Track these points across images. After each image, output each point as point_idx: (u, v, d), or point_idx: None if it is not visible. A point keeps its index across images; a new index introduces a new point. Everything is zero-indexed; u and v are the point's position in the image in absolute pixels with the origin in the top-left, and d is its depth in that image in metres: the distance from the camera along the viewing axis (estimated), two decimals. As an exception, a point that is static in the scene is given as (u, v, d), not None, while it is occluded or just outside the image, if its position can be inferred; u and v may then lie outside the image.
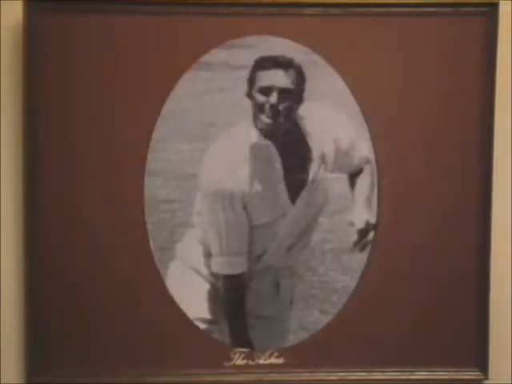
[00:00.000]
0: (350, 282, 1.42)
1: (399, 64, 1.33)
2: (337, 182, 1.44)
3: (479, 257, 1.36)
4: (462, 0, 1.32)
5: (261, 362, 1.36)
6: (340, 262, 1.43)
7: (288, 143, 1.39)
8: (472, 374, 1.38)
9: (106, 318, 1.34)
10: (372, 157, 1.41)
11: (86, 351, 1.34)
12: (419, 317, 1.37)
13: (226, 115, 1.40)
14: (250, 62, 1.37)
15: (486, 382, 1.39)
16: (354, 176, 1.44)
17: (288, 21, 1.31)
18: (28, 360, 1.34)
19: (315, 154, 1.41)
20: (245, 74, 1.37)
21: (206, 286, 1.43)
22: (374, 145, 1.35)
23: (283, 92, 1.37)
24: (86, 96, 1.30)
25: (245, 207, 1.40)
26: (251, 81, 1.38)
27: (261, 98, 1.37)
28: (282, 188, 1.41)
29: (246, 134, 1.40)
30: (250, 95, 1.37)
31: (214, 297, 1.43)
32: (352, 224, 1.42)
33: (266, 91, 1.37)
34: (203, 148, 1.40)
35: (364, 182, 1.44)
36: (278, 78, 1.37)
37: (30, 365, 1.33)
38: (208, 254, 1.42)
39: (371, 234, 1.41)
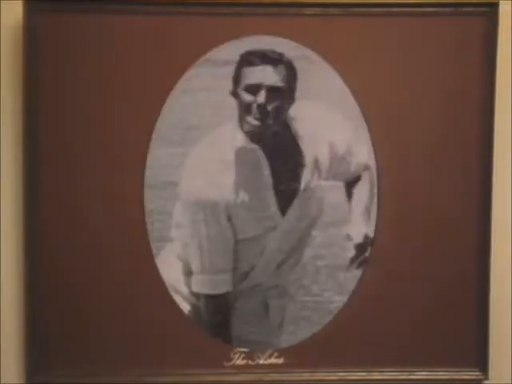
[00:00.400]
0: (346, 302, 1.34)
1: (399, 64, 1.33)
2: (332, 191, 1.34)
3: (479, 257, 1.36)
4: (461, 0, 1.32)
5: (261, 362, 1.36)
6: (335, 281, 1.35)
7: (277, 147, 1.30)
8: (472, 374, 1.38)
9: (106, 318, 1.34)
10: (372, 162, 1.33)
11: (86, 351, 1.34)
12: (419, 317, 1.37)
13: (209, 116, 1.29)
14: (235, 58, 1.29)
15: (486, 382, 1.39)
16: (351, 184, 1.35)
17: (288, 21, 1.30)
18: (28, 360, 1.34)
19: (308, 160, 1.31)
20: (229, 70, 1.29)
21: (186, 307, 1.34)
22: (373, 145, 1.34)
23: (272, 90, 1.27)
24: (86, 96, 1.30)
25: (229, 219, 1.29)
26: (237, 78, 1.28)
27: (247, 98, 1.27)
28: (270, 197, 1.30)
29: (230, 137, 1.29)
30: (235, 94, 1.28)
31: (195, 319, 1.33)
32: (349, 238, 1.34)
33: (253, 90, 1.27)
34: (183, 153, 1.30)
35: (362, 190, 1.34)
36: (267, 75, 1.27)
37: (30, 365, 1.33)
38: (188, 272, 1.33)
39: (369, 250, 1.33)
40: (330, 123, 1.33)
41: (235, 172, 1.29)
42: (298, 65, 1.30)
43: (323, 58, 1.31)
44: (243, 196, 1.29)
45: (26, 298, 1.33)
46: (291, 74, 1.28)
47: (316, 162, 1.32)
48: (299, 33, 1.30)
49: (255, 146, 1.29)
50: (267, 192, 1.30)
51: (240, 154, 1.29)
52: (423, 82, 1.34)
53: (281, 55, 1.28)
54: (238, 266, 1.32)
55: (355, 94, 1.32)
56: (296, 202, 1.32)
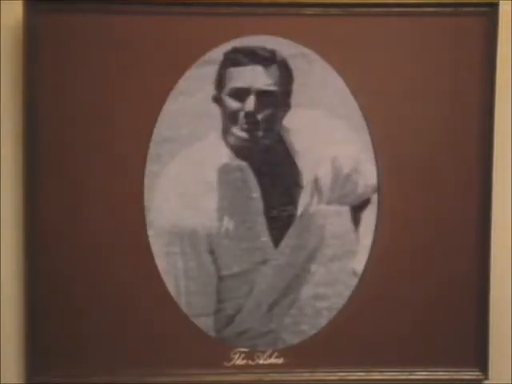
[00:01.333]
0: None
1: (399, 64, 1.33)
2: (335, 217, 1.16)
3: (479, 257, 1.36)
4: (461, 0, 1.32)
5: (261, 362, 1.36)
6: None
7: (269, 164, 1.13)
8: (472, 374, 1.38)
9: (106, 317, 1.34)
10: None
11: (85, 351, 1.34)
12: (419, 317, 1.37)
13: (187, 127, 1.14)
14: (219, 56, 1.15)
15: (486, 382, 1.39)
16: (358, 209, 1.19)
17: (288, 21, 1.30)
18: (28, 360, 1.34)
19: (306, 180, 1.14)
20: (212, 71, 1.14)
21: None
22: (373, 145, 1.34)
23: (263, 96, 1.11)
24: (86, 96, 1.30)
25: (211, 251, 1.13)
26: (220, 81, 1.13)
27: (233, 104, 1.11)
28: (261, 225, 1.12)
29: (212, 153, 1.12)
30: (218, 100, 1.13)
31: None
32: (355, 273, 1.21)
33: (241, 95, 1.11)
34: (156, 171, 1.15)
35: (372, 216, 1.18)
36: (256, 77, 1.10)
37: (30, 365, 1.33)
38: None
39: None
40: (333, 135, 1.17)
41: (218, 194, 1.12)
42: (293, 64, 1.18)
43: (323, 58, 1.31)
44: (228, 223, 1.12)
45: (26, 298, 1.33)
46: (286, 75, 1.13)
47: (316, 183, 1.15)
48: (299, 33, 1.30)
49: (242, 163, 1.13)
50: (257, 218, 1.13)
51: (224, 172, 1.13)
52: (423, 82, 1.33)
53: (273, 53, 1.14)
54: (221, 308, 1.17)
55: (355, 94, 1.32)
56: (291, 231, 1.15)
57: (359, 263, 1.21)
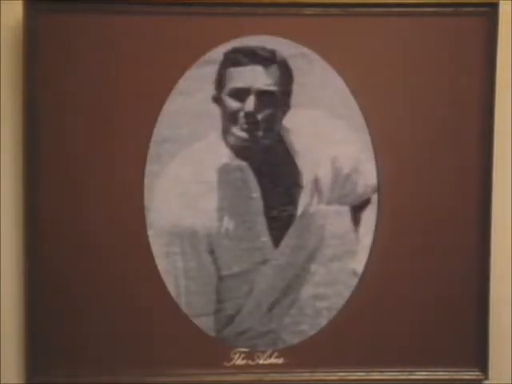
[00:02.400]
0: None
1: (399, 64, 1.33)
2: (335, 217, 1.16)
3: (479, 257, 1.36)
4: (461, 0, 1.32)
5: (261, 362, 1.36)
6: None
7: (269, 164, 1.13)
8: (472, 374, 1.38)
9: (106, 317, 1.34)
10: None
11: (85, 351, 1.34)
12: (419, 317, 1.37)
13: (186, 127, 1.14)
14: (219, 56, 1.16)
15: (486, 382, 1.39)
16: (358, 209, 1.20)
17: (288, 21, 1.30)
18: (28, 360, 1.34)
19: (306, 180, 1.14)
20: (212, 71, 1.15)
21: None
22: (373, 145, 1.33)
23: (263, 96, 1.11)
24: (86, 96, 1.30)
25: (211, 251, 1.13)
26: (220, 81, 1.14)
27: (233, 104, 1.12)
28: (261, 225, 1.12)
29: (212, 153, 1.12)
30: (218, 100, 1.13)
31: None
32: (355, 274, 1.22)
33: (241, 95, 1.11)
34: (156, 171, 1.16)
35: (372, 216, 1.18)
36: (256, 77, 1.11)
37: (30, 365, 1.33)
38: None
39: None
40: (333, 135, 1.17)
41: (218, 194, 1.12)
42: (293, 64, 1.19)
43: (323, 58, 1.31)
44: (228, 223, 1.12)
45: (26, 298, 1.33)
46: (286, 75, 1.14)
47: (316, 183, 1.16)
48: (299, 33, 1.30)
49: (242, 163, 1.14)
50: (257, 218, 1.13)
51: (224, 172, 1.13)
52: (423, 82, 1.33)
53: (273, 53, 1.14)
54: (221, 308, 1.17)
55: (355, 94, 1.32)
56: (291, 231, 1.15)
57: (359, 263, 1.22)
